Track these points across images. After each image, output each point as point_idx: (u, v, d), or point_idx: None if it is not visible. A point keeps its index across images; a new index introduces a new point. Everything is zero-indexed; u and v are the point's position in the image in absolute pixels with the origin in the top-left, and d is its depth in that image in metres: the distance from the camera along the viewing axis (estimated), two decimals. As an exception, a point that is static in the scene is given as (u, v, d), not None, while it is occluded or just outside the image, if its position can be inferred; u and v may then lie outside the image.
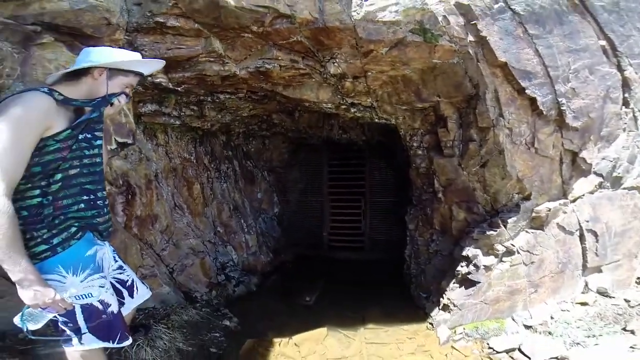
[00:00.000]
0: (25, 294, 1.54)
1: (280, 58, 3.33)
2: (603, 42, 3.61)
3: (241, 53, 3.30)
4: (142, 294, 2.28)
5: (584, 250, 3.78)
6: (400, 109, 4.13)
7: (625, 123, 3.74)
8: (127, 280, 2.18)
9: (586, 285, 3.83)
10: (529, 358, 3.08)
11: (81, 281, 1.76)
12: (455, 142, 3.93)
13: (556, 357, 3.00)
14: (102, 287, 1.86)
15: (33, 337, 1.70)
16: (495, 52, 3.30)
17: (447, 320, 3.69)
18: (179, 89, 3.59)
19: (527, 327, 3.48)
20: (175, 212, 4.39)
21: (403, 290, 4.87)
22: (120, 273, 2.15)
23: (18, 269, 1.49)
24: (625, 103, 3.74)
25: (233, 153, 5.89)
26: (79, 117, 1.70)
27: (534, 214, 3.66)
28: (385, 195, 6.48)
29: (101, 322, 1.84)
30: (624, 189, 3.86)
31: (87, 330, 1.81)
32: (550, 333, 3.32)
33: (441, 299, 3.90)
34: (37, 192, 1.61)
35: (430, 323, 3.89)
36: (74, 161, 1.70)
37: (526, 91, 3.42)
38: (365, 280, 5.66)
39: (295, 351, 3.51)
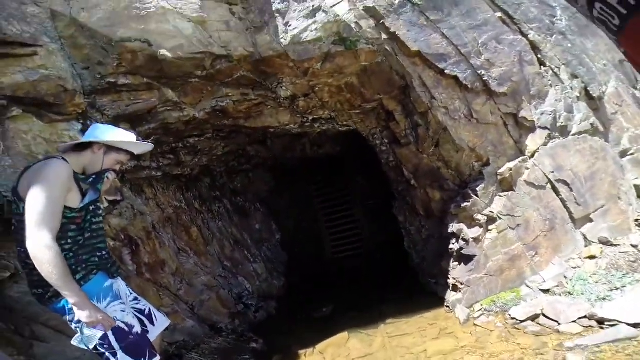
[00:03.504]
0: (83, 314, 1.90)
1: (231, 94, 3.49)
2: (499, 14, 3.79)
3: (194, 97, 3.44)
4: (162, 320, 2.56)
5: (562, 202, 3.77)
6: (354, 114, 4.30)
7: (549, 80, 3.89)
8: (145, 309, 2.44)
9: (585, 237, 3.75)
10: (557, 322, 2.92)
11: (105, 307, 2.06)
12: (408, 130, 4.10)
13: (585, 316, 2.84)
14: (123, 311, 2.16)
15: (96, 352, 2.05)
16: (407, 44, 3.50)
17: (462, 299, 3.68)
18: (148, 141, 3.75)
19: (545, 291, 3.39)
20: (181, 256, 4.48)
21: (412, 282, 4.87)
22: (137, 303, 2.42)
23: (74, 294, 1.86)
24: (542, 63, 3.92)
25: (221, 193, 5.96)
26: (84, 190, 2.03)
27: (499, 177, 3.73)
28: (374, 197, 6.53)
29: (130, 342, 2.11)
30: (573, 135, 3.91)
31: (121, 350, 2.07)
32: (569, 293, 3.20)
33: (448, 280, 3.91)
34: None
35: (446, 306, 3.87)
36: (87, 227, 2.06)
37: (446, 71, 3.61)
38: (374, 280, 5.70)
39: (320, 359, 3.56)
